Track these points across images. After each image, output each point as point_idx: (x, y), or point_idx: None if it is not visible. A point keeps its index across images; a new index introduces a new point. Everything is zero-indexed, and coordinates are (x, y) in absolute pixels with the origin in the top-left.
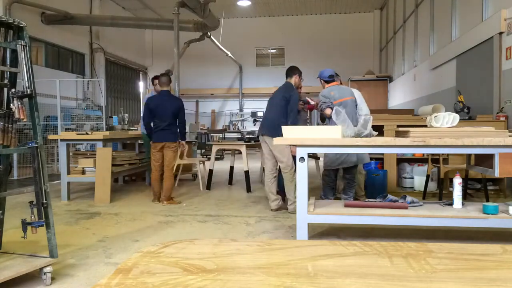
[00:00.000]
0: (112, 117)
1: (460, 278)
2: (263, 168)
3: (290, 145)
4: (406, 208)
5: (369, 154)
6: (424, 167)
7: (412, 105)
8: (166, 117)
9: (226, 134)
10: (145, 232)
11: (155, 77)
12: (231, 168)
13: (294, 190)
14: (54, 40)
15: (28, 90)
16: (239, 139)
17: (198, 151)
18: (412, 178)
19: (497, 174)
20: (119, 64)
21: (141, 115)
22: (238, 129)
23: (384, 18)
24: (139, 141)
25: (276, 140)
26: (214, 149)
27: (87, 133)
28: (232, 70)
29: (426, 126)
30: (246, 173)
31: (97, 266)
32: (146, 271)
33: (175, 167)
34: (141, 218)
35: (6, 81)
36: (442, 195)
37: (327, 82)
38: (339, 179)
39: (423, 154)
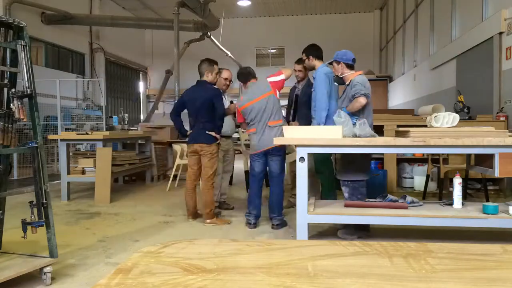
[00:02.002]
0: (112, 117)
1: (460, 278)
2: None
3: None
4: (406, 208)
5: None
6: (424, 167)
7: (412, 105)
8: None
9: None
10: (145, 232)
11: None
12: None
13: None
14: (54, 40)
15: (28, 90)
16: (239, 139)
17: None
18: (412, 178)
19: (497, 174)
20: (119, 64)
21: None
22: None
23: (384, 18)
24: (139, 141)
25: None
26: None
27: (87, 133)
28: (232, 70)
29: (426, 126)
30: (246, 173)
31: (97, 266)
32: (146, 271)
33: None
34: (141, 218)
35: (6, 81)
36: (442, 195)
37: (351, 67)
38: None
39: (423, 154)
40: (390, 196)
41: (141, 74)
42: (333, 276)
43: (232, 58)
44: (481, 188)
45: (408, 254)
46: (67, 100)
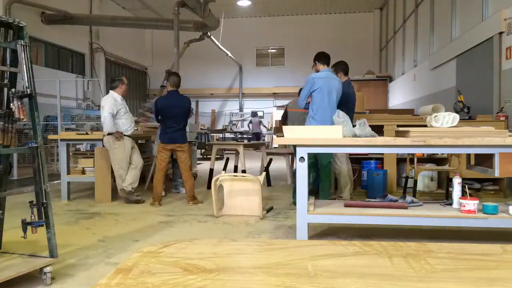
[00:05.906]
0: None
1: (460, 278)
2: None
3: None
4: (406, 208)
5: (370, 154)
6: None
7: (412, 105)
8: (177, 118)
9: (226, 134)
10: (145, 232)
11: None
12: (235, 167)
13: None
14: (54, 40)
15: (28, 90)
16: (233, 139)
17: (198, 151)
18: (412, 178)
19: (497, 174)
20: (119, 64)
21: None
22: (231, 129)
23: (384, 18)
24: (139, 141)
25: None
26: (214, 149)
27: (87, 133)
28: (232, 70)
29: (426, 126)
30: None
31: (97, 266)
32: (146, 271)
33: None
34: (141, 218)
35: (6, 81)
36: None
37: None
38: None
39: (423, 154)
40: (390, 196)
41: (141, 74)
42: (333, 276)
43: (232, 58)
44: (481, 188)
45: (408, 254)
46: (67, 100)
